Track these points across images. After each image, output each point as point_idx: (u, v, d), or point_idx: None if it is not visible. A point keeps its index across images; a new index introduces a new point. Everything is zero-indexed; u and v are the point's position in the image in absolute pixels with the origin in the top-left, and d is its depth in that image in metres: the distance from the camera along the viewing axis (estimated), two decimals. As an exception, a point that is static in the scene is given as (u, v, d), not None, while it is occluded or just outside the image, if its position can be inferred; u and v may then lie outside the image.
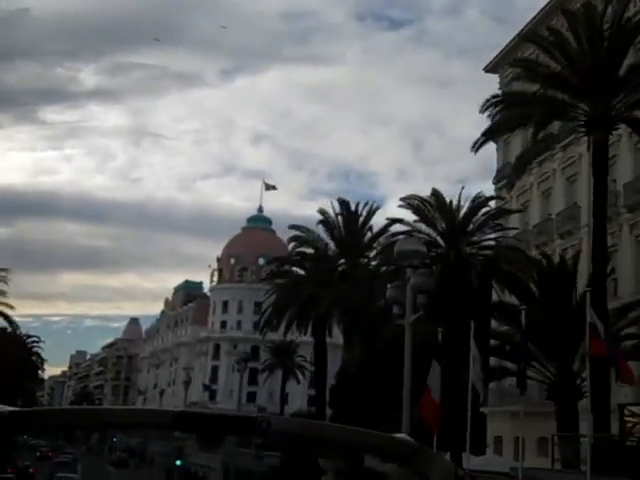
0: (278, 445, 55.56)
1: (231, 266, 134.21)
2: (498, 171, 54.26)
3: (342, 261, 45.14)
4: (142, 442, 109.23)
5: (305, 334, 48.44)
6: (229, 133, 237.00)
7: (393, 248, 39.99)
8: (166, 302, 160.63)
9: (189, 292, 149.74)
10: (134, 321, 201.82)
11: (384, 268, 40.43)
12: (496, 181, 53.20)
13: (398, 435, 3.16)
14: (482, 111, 30.94)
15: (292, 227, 46.73)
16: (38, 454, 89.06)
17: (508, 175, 52.16)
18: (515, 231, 41.65)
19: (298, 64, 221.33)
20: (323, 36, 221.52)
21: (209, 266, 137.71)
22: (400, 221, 37.18)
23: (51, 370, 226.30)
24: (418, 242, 18.73)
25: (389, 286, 17.34)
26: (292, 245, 46.70)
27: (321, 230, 45.96)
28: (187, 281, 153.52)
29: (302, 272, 47.61)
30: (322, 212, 45.78)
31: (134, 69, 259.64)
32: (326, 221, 45.59)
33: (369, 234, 45.22)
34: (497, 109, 30.94)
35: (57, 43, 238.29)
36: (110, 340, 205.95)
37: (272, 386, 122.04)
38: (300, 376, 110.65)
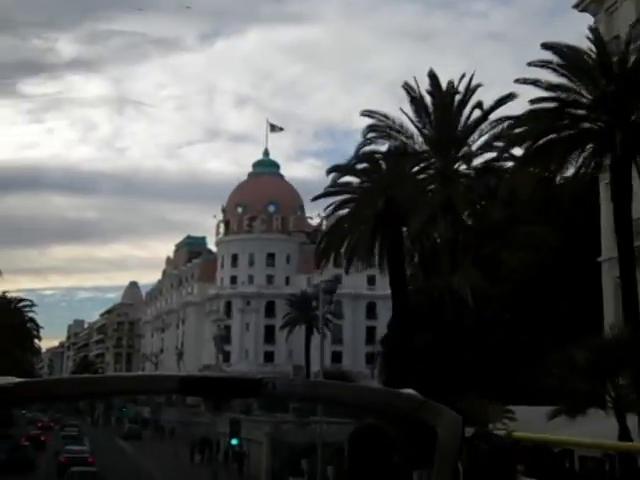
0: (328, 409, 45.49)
1: (238, 216, 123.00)
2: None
3: (433, 160, 33.63)
4: (155, 411, 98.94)
5: (380, 265, 37.00)
6: (212, 97, 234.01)
7: (513, 133, 29.54)
8: (168, 260, 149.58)
9: (192, 248, 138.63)
10: (133, 285, 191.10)
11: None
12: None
13: (404, 390, 3.03)
14: None
15: (365, 113, 34.93)
16: (39, 425, 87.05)
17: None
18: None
19: (277, 24, 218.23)
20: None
21: (214, 216, 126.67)
22: (533, 83, 25.84)
23: (49, 343, 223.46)
24: None
25: None
26: (369, 135, 34.39)
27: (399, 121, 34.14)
28: (189, 237, 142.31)
29: (366, 182, 36.27)
30: (408, 88, 33.88)
31: (112, 37, 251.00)
32: (415, 100, 33.46)
33: (472, 117, 33.33)
34: None
35: (32, 13, 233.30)
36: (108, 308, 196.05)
37: (291, 344, 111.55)
38: (326, 331, 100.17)
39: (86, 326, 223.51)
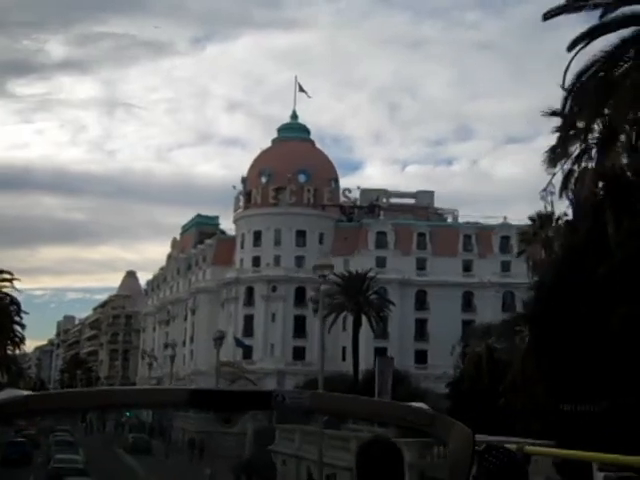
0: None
1: (262, 186, 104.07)
2: None
3: None
4: (165, 416, 79.66)
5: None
6: (203, 101, 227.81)
7: None
8: (173, 243, 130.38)
9: (202, 229, 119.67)
10: (131, 275, 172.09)
11: None
12: None
13: (414, 404, 3.13)
14: None
15: None
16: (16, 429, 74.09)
17: None
18: None
19: (270, 29, 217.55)
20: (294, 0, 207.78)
21: (233, 187, 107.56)
22: None
23: (37, 343, 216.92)
24: None
25: None
26: None
27: None
28: (199, 216, 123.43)
29: None
30: None
31: (103, 39, 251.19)
32: None
33: None
34: None
35: (22, 14, 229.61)
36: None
37: (326, 337, 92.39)
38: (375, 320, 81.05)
39: (77, 322, 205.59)
